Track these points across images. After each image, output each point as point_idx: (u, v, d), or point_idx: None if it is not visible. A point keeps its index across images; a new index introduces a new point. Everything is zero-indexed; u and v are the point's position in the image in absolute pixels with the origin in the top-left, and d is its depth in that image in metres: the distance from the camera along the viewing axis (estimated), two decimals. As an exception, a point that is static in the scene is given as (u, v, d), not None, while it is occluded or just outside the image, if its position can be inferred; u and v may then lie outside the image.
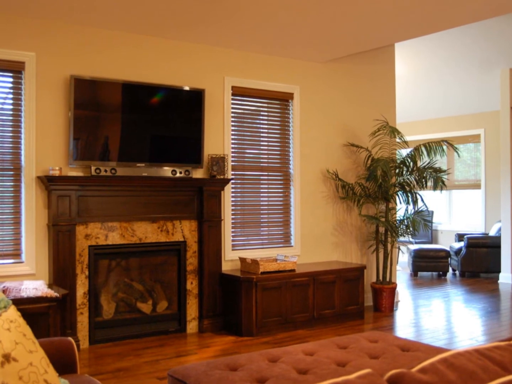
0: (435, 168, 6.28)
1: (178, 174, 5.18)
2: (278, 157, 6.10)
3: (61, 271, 4.63)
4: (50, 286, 4.49)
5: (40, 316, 3.95)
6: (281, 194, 6.14)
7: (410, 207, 6.43)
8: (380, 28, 5.23)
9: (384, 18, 4.89)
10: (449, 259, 9.02)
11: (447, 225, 10.73)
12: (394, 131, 6.21)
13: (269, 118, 6.05)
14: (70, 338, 2.61)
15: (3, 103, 4.64)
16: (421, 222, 6.32)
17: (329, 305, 5.66)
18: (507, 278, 8.17)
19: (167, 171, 5.17)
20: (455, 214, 10.73)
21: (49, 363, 1.88)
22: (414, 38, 5.83)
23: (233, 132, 5.76)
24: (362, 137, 6.54)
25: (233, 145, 5.75)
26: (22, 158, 4.64)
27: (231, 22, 4.93)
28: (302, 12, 4.67)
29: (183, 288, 5.32)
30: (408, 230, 6.41)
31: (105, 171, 4.81)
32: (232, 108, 5.74)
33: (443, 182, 6.19)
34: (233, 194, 5.76)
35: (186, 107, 5.33)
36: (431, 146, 6.23)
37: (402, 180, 6.35)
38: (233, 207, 5.76)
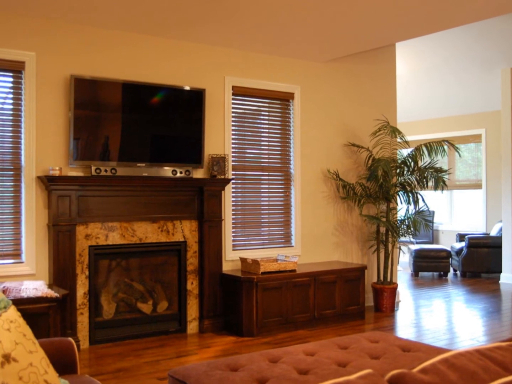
0: (436, 168, 6.27)
1: (178, 174, 5.18)
2: (279, 157, 6.09)
3: (61, 271, 4.62)
4: (50, 286, 4.48)
5: (40, 316, 3.94)
6: (281, 194, 6.13)
7: (411, 207, 6.42)
8: (381, 28, 5.22)
9: (385, 17, 4.88)
10: (450, 259, 9.01)
11: (448, 225, 10.72)
12: (395, 131, 6.20)
13: (270, 118, 6.04)
14: (70, 339, 2.61)
15: (3, 103, 4.63)
16: (422, 222, 6.30)
17: (330, 305, 5.65)
18: (508, 278, 8.16)
19: (167, 171, 5.16)
20: (456, 214, 10.72)
21: (49, 363, 1.88)
22: (415, 38, 5.82)
23: (233, 132, 5.75)
24: (363, 137, 6.53)
25: (233, 145, 5.75)
26: (22, 158, 4.64)
27: (232, 21, 4.92)
28: (303, 11, 4.66)
29: (183, 288, 5.31)
30: (409, 230, 6.40)
31: (106, 171, 4.80)
32: (233, 108, 5.73)
33: (444, 182, 6.18)
34: (233, 194, 5.75)
35: (187, 107, 5.32)
36: (432, 146, 6.22)
37: (403, 180, 6.34)
38: (234, 207, 5.75)
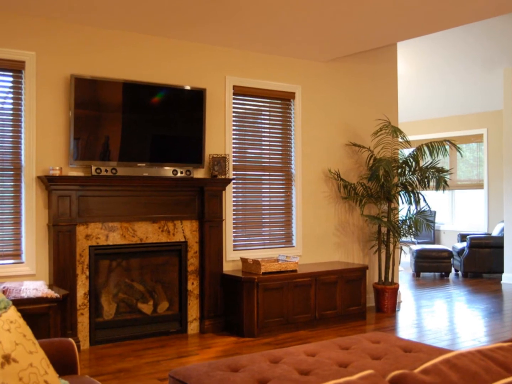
0: (437, 168, 6.25)
1: (179, 174, 5.16)
2: (280, 156, 6.08)
3: (61, 272, 4.61)
4: (50, 286, 4.47)
5: (40, 316, 3.93)
6: (282, 194, 6.12)
7: (413, 207, 6.41)
8: (382, 27, 5.21)
9: (386, 17, 4.87)
10: (451, 259, 8.99)
11: (450, 225, 10.71)
12: (396, 131, 6.19)
13: (271, 117, 6.03)
14: (70, 339, 2.60)
15: (3, 103, 4.62)
16: (424, 222, 6.29)
17: (331, 305, 5.64)
18: (510, 278, 8.14)
19: (168, 171, 5.15)
20: (457, 214, 10.71)
21: (49, 364, 1.88)
22: (416, 37, 5.81)
23: (234, 132, 5.74)
24: (364, 137, 6.52)
25: (234, 145, 5.73)
26: (22, 158, 4.63)
27: (232, 21, 4.91)
28: (304, 11, 4.65)
29: (184, 288, 5.30)
30: (411, 230, 6.39)
31: (106, 171, 4.79)
32: (233, 107, 5.72)
33: (445, 182, 6.17)
34: (234, 194, 5.74)
35: (187, 106, 5.31)
36: (433, 146, 6.20)
37: (404, 180, 6.33)
38: (235, 207, 5.74)
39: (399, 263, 7.14)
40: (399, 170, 6.35)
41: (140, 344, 4.90)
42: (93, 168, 4.74)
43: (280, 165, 6.07)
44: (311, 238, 6.23)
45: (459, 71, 8.53)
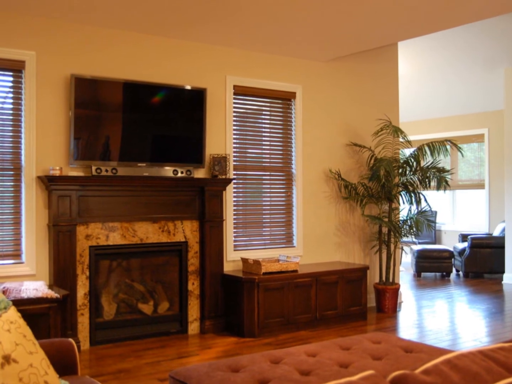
0: (438, 168, 6.24)
1: (179, 174, 5.16)
2: (280, 156, 6.07)
3: (61, 272, 4.60)
4: (50, 287, 4.46)
5: (41, 317, 3.93)
6: (283, 194, 6.11)
7: (414, 207, 6.40)
8: (383, 27, 5.20)
9: (387, 16, 4.86)
10: (452, 259, 8.98)
11: (451, 225, 10.69)
12: (397, 131, 6.18)
13: (271, 117, 6.02)
14: (70, 339, 2.60)
15: (3, 103, 4.62)
16: (425, 222, 6.28)
17: (332, 306, 5.63)
18: (511, 278, 8.12)
19: (168, 171, 5.14)
20: (458, 214, 10.69)
21: (49, 364, 1.88)
22: (417, 37, 5.80)
23: (235, 132, 5.73)
24: (365, 137, 6.51)
25: (235, 145, 5.73)
26: (22, 157, 4.62)
27: (233, 20, 4.90)
28: (304, 10, 4.64)
29: (184, 289, 5.29)
30: (412, 231, 6.38)
31: (106, 171, 4.79)
32: (234, 107, 5.71)
33: (446, 182, 6.16)
34: (235, 194, 5.73)
35: (188, 106, 5.30)
36: (434, 146, 6.20)
37: (405, 180, 6.32)
38: (235, 207, 5.73)
39: (400, 263, 7.13)
40: (400, 170, 6.34)
41: (141, 345, 4.89)
42: (93, 168, 4.73)
43: (280, 165, 6.06)
44: (311, 238, 6.22)
45: (460, 71, 8.52)
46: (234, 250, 5.69)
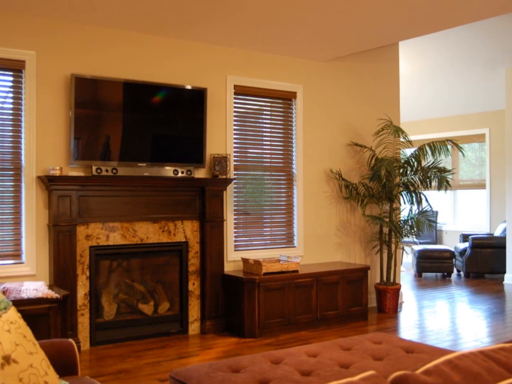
0: (439, 168, 6.23)
1: (180, 174, 5.15)
2: (281, 156, 6.06)
3: (61, 272, 4.60)
4: (50, 287, 4.45)
5: (41, 317, 3.92)
6: (284, 194, 6.10)
7: (414, 207, 6.39)
8: (384, 27, 5.19)
9: (388, 16, 4.85)
10: (453, 259, 8.97)
11: (452, 225, 10.68)
12: (398, 131, 6.17)
13: (272, 117, 6.01)
14: (70, 340, 2.60)
15: (3, 102, 4.61)
16: (426, 223, 6.27)
17: (333, 306, 5.62)
18: (513, 279, 8.12)
19: (168, 171, 5.13)
20: (459, 214, 10.68)
21: (49, 364, 1.88)
22: (418, 37, 5.79)
23: (235, 132, 5.72)
24: (366, 137, 6.50)
25: (235, 145, 5.72)
26: (23, 157, 4.61)
27: (233, 20, 4.90)
28: (305, 10, 4.63)
29: (185, 289, 5.28)
30: (412, 231, 6.37)
31: (106, 171, 4.78)
32: (235, 107, 5.71)
33: (447, 182, 6.15)
34: (235, 194, 5.72)
35: (188, 106, 5.29)
36: (435, 146, 6.18)
37: (406, 180, 6.31)
38: (236, 207, 5.72)
39: (401, 264, 7.12)
40: (401, 170, 6.33)
41: (141, 345, 4.88)
42: (94, 168, 4.72)
43: (281, 165, 6.06)
44: (312, 238, 6.21)
45: (461, 71, 8.51)
46: (235, 250, 5.68)
